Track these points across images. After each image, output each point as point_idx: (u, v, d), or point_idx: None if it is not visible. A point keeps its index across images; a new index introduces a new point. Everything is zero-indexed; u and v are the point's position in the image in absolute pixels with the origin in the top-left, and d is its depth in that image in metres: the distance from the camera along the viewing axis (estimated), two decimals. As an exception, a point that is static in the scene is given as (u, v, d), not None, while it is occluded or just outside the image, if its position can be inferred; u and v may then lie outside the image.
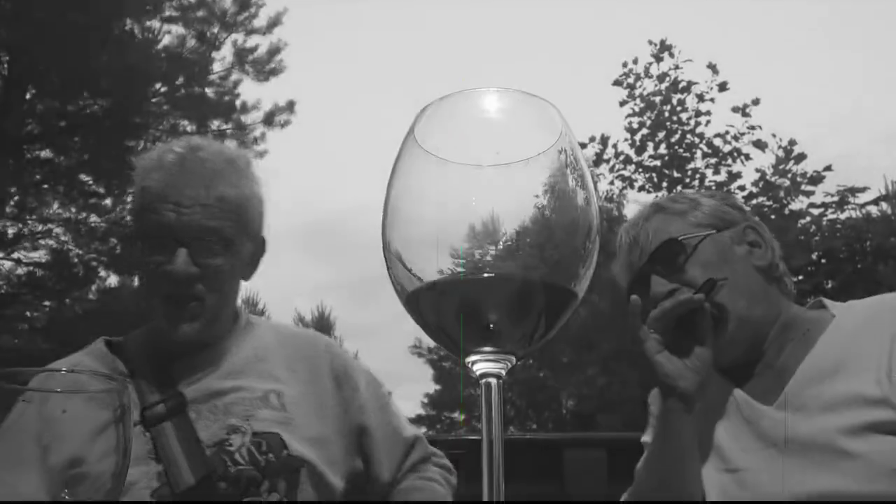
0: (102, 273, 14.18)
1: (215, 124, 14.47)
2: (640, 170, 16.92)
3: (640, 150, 16.85)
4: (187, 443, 1.52)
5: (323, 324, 35.54)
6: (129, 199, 1.83)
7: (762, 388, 1.52)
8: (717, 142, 16.28)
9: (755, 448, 1.46)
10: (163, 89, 14.08)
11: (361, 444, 1.75)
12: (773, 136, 15.45)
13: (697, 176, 16.32)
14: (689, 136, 16.60)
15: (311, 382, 1.71)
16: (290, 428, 1.60)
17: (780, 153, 15.25)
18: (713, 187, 15.88)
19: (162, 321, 1.61)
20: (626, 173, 17.02)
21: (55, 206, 13.82)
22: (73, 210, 13.93)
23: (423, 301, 0.61)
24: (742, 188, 15.58)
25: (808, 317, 1.56)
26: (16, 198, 13.55)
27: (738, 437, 1.50)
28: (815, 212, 14.02)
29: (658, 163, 16.74)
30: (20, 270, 13.63)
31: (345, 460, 1.70)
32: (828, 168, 14.47)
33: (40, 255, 13.73)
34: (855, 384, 1.36)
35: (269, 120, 14.54)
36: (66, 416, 0.74)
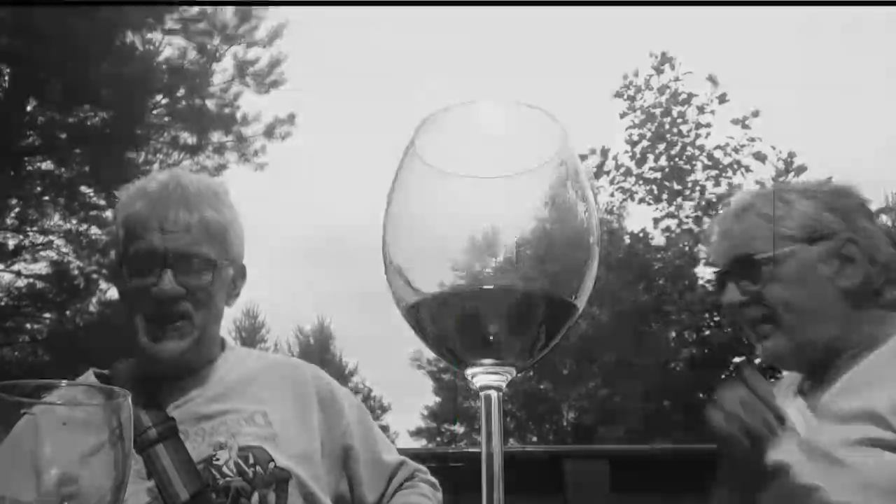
0: (103, 285, 14.16)
1: (216, 136, 14.50)
2: (641, 182, 16.95)
3: (641, 162, 16.89)
4: (180, 461, 1.55)
5: (323, 335, 35.54)
6: (114, 230, 1.90)
7: (816, 397, 1.52)
8: (718, 154, 16.33)
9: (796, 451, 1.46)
10: (164, 101, 14.11)
11: (347, 464, 1.78)
12: (773, 147, 15.49)
13: (698, 188, 16.35)
14: (689, 147, 16.64)
15: (296, 403, 1.75)
16: (275, 443, 1.64)
17: (781, 165, 15.28)
18: (714, 199, 15.90)
19: (147, 341, 1.64)
20: (626, 185, 17.06)
21: (56, 217, 13.83)
22: (74, 222, 13.93)
23: (423, 313, 0.61)
24: (742, 200, 15.58)
25: (885, 332, 1.51)
26: (16, 209, 13.55)
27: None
28: (816, 223, 13.99)
29: (658, 175, 16.78)
30: (20, 282, 13.62)
31: (330, 479, 1.73)
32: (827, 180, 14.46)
33: (41, 268, 13.73)
34: (872, 400, 1.35)
35: (269, 132, 14.56)
36: (65, 430, 0.74)
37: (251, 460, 1.58)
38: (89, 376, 1.77)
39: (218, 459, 1.57)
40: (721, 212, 1.71)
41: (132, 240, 1.65)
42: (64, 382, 0.80)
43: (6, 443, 0.73)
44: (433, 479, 1.91)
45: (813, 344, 1.49)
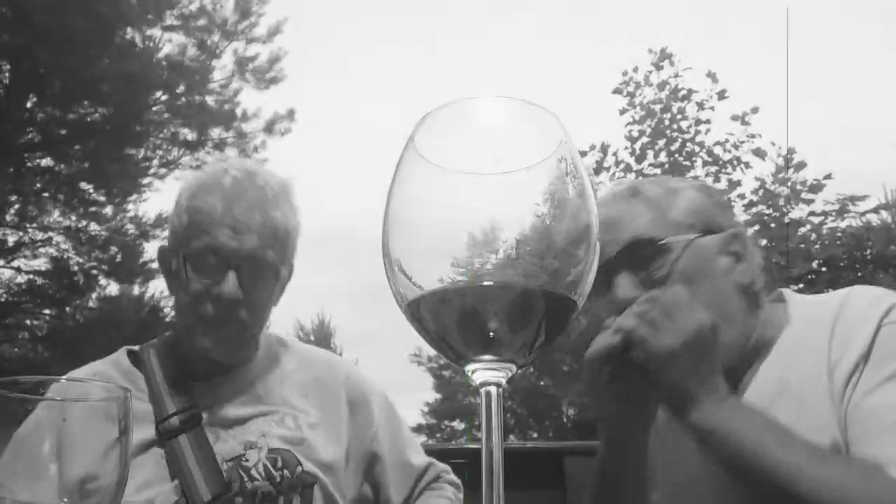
0: (103, 281, 14.18)
1: (215, 132, 14.50)
2: (640, 178, 16.95)
3: (641, 158, 16.87)
4: (203, 457, 1.53)
5: (323, 332, 35.52)
6: (175, 215, 1.74)
7: None
8: (717, 150, 16.31)
9: None
10: (163, 97, 14.10)
11: (373, 470, 1.78)
12: (773, 144, 15.48)
13: (698, 184, 16.35)
14: (689, 144, 16.63)
15: (326, 409, 1.73)
16: (303, 448, 1.62)
17: (780, 161, 15.27)
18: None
19: (202, 341, 1.61)
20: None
21: (55, 214, 13.84)
22: (74, 218, 13.94)
23: (423, 309, 0.61)
24: (742, 196, 15.59)
25: (770, 325, 1.40)
26: (16, 206, 13.56)
27: None
28: (816, 220, 13.98)
29: (658, 171, 16.75)
30: (20, 279, 13.64)
31: (354, 485, 1.73)
32: (828, 176, 14.47)
33: (40, 264, 13.74)
34: (795, 423, 1.19)
35: (269, 128, 14.57)
36: (67, 426, 0.74)
37: (279, 464, 1.57)
38: (120, 355, 1.74)
39: (247, 460, 1.56)
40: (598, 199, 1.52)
41: (198, 233, 1.58)
42: (64, 378, 0.80)
43: (12, 440, 0.73)
44: (457, 479, 1.91)
45: (725, 344, 1.28)
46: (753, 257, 1.43)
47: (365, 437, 1.76)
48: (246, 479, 1.54)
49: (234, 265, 1.56)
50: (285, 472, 1.57)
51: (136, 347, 1.75)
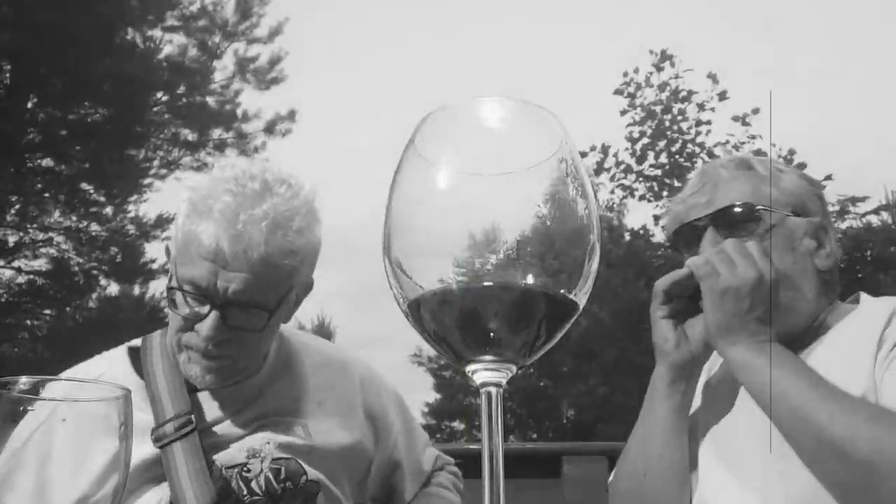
0: (103, 281, 14.20)
1: (216, 133, 14.51)
2: (641, 179, 16.96)
3: (641, 159, 16.89)
4: (195, 468, 1.44)
5: (323, 332, 35.51)
6: (176, 221, 1.52)
7: None
8: (718, 151, 16.32)
9: None
10: (164, 98, 14.12)
11: (392, 477, 1.77)
12: (773, 145, 15.49)
13: (698, 185, 16.37)
14: (689, 145, 16.65)
15: (342, 415, 1.66)
16: (311, 458, 1.56)
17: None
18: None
19: (185, 365, 1.52)
20: (626, 182, 17.06)
21: (56, 214, 13.85)
22: (74, 218, 13.96)
23: (423, 310, 0.61)
24: (742, 197, 15.60)
25: (838, 315, 1.49)
26: (17, 206, 13.57)
27: None
28: (816, 221, 13.99)
29: (659, 172, 16.77)
30: (21, 279, 13.65)
31: (370, 488, 1.71)
32: (828, 177, 14.48)
33: (41, 264, 13.76)
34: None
35: (270, 129, 14.58)
36: (77, 429, 0.74)
37: (283, 475, 1.51)
38: (120, 351, 1.66)
39: (248, 470, 1.49)
40: (703, 166, 1.63)
41: (185, 261, 1.44)
42: (64, 378, 0.80)
43: (11, 439, 0.72)
44: (456, 469, 1.93)
45: (794, 313, 1.42)
46: (835, 250, 1.53)
47: (386, 446, 1.73)
48: (245, 492, 1.47)
49: (218, 304, 1.42)
50: (288, 483, 1.50)
51: (138, 343, 1.66)
